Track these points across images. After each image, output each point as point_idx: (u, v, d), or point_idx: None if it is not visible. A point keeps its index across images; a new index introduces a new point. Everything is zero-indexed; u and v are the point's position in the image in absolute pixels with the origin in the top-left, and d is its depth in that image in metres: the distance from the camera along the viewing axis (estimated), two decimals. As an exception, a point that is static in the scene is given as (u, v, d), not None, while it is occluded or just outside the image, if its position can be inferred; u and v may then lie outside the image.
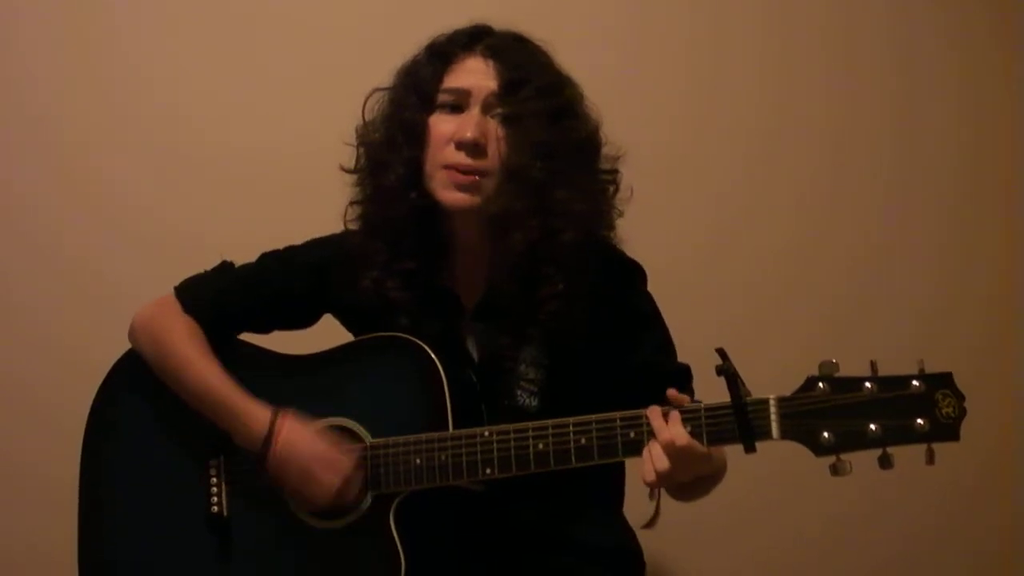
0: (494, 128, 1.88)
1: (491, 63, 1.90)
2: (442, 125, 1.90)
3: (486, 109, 1.89)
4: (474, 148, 1.87)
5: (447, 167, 1.89)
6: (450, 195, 1.89)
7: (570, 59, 1.99)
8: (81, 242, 2.68)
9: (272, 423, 1.89)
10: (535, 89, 1.88)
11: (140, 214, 2.69)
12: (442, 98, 1.91)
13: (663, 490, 1.81)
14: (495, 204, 1.87)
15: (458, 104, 1.90)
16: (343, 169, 1.99)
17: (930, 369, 1.67)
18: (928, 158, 2.97)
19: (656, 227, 2.59)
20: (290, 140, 2.69)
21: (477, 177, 1.88)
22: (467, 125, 1.87)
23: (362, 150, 1.98)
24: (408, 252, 1.93)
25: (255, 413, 1.91)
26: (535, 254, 1.87)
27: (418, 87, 1.93)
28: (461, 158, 1.87)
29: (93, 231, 2.68)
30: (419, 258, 1.94)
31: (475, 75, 1.90)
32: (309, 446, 1.88)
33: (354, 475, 1.87)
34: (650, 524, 1.87)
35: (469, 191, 1.88)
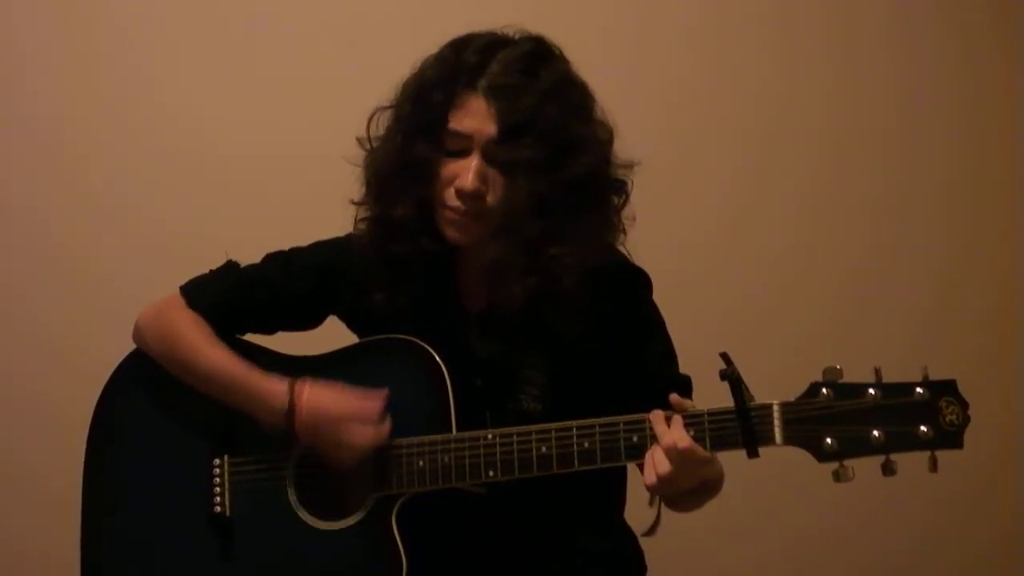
0: (494, 174, 1.87)
1: (492, 106, 1.85)
2: (447, 167, 1.88)
3: (486, 155, 1.86)
4: (472, 197, 1.86)
5: (446, 207, 1.89)
6: (448, 232, 1.90)
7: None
8: (84, 244, 2.68)
9: (291, 392, 1.89)
10: (535, 136, 1.84)
11: (143, 215, 2.70)
12: (448, 139, 1.88)
13: (661, 499, 1.82)
14: (488, 255, 1.87)
15: (462, 147, 1.87)
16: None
17: (934, 376, 1.67)
18: (929, 162, 2.98)
19: (658, 232, 2.57)
20: (293, 142, 2.70)
21: (469, 217, 1.87)
22: (467, 173, 1.85)
23: (371, 172, 1.97)
24: (415, 270, 1.93)
25: (272, 387, 1.91)
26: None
27: (426, 125, 1.90)
28: (459, 204, 1.87)
29: (95, 232, 2.69)
30: (425, 274, 1.94)
31: (476, 118, 1.86)
32: (334, 404, 1.88)
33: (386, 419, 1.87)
34: (650, 532, 1.88)
35: (462, 229, 1.89)
